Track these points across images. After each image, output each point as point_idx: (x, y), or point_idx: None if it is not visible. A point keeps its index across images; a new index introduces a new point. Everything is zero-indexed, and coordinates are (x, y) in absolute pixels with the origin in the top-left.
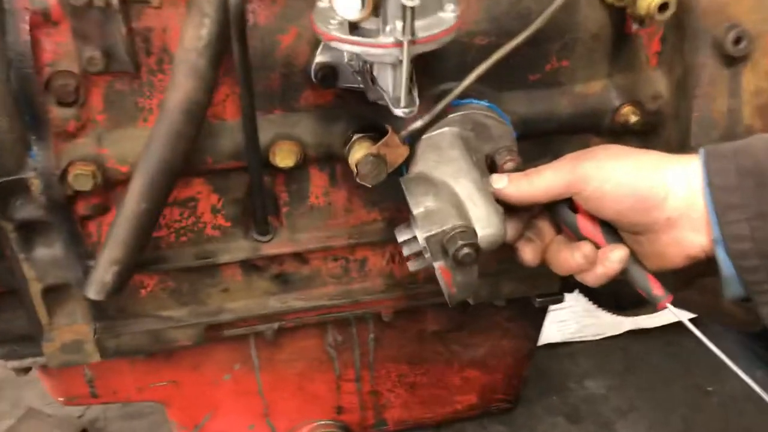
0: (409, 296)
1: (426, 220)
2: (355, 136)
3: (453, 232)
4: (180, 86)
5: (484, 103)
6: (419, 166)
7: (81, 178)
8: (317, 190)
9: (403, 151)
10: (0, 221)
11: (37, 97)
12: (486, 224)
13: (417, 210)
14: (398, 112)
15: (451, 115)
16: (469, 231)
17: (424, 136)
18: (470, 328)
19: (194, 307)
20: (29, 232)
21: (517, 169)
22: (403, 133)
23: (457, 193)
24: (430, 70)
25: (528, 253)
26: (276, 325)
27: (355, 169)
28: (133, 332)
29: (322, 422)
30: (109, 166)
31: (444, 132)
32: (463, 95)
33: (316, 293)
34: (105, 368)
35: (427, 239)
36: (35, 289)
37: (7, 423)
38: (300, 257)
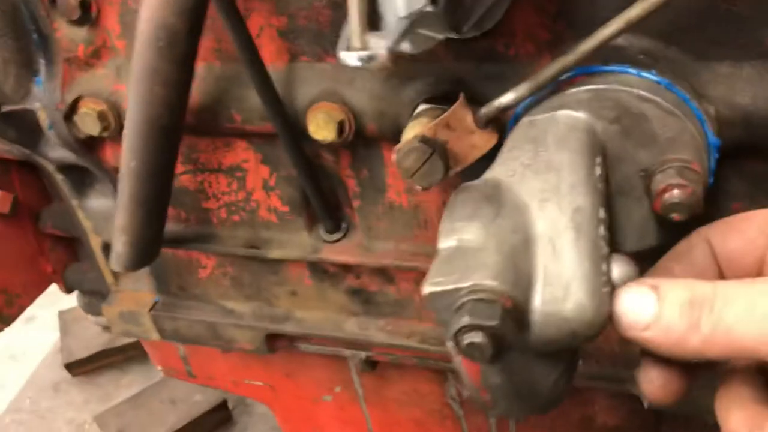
0: None
1: (443, 264)
2: (422, 106)
3: (468, 298)
4: (148, 6)
5: (649, 76)
6: (497, 168)
7: (87, 120)
8: (397, 183)
9: (483, 139)
10: (36, 158)
11: (42, 11)
12: (562, 295)
13: (443, 243)
14: (346, 58)
15: (577, 90)
16: (494, 302)
17: (524, 118)
18: None
19: (259, 305)
20: (77, 176)
21: (690, 210)
22: (484, 110)
23: (534, 229)
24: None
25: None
26: (363, 354)
27: (395, 162)
28: (191, 319)
29: None
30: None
31: (558, 116)
32: (612, 57)
33: (406, 328)
34: (197, 349)
35: (431, 298)
36: (95, 242)
37: None
38: (382, 273)
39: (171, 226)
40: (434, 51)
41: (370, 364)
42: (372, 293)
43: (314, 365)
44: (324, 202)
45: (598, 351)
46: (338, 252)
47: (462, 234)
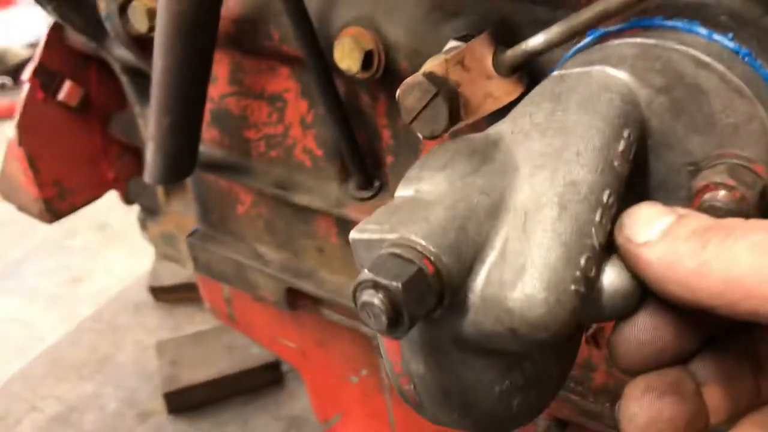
0: None
1: (386, 212)
2: (451, 43)
3: (384, 251)
4: None
5: (721, 39)
6: (504, 124)
7: (137, 15)
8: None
9: (502, 88)
10: (103, 54)
11: None
12: (511, 279)
13: (401, 191)
14: None
15: (621, 42)
16: (410, 262)
17: (556, 71)
18: None
19: (288, 256)
20: (141, 80)
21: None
22: (509, 53)
23: (514, 197)
24: None
25: (657, 411)
26: None
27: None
28: (222, 255)
29: None
30: None
31: (593, 73)
32: (684, 12)
33: None
34: (240, 294)
35: (354, 245)
36: None
37: None
38: None
39: (213, 151)
40: None
41: None
42: None
43: (343, 339)
44: (354, 151)
45: None
46: (363, 212)
47: (422, 184)
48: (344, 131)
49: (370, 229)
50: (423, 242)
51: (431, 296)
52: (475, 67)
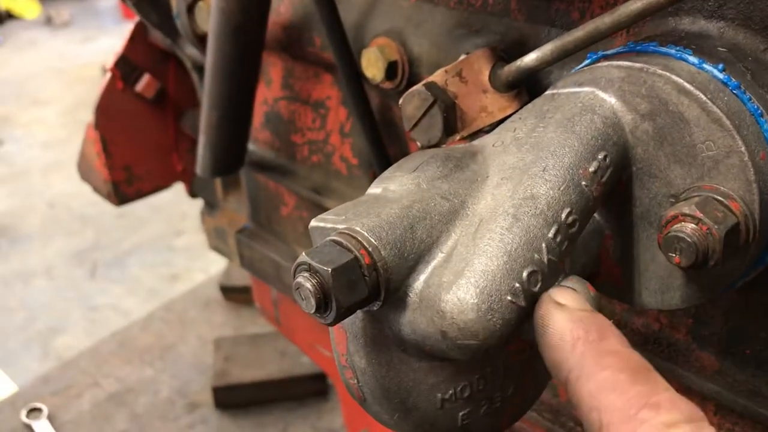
0: None
1: (349, 206)
2: (464, 55)
3: (330, 238)
4: None
5: (710, 69)
6: (490, 136)
7: (202, 15)
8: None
9: (497, 104)
10: (177, 51)
11: None
12: (448, 281)
13: (371, 188)
14: None
15: (610, 65)
16: (347, 251)
17: (549, 90)
18: None
19: None
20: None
21: (696, 256)
22: (505, 69)
23: (475, 205)
24: None
25: None
26: None
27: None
28: (264, 254)
29: None
30: None
31: (581, 94)
32: (682, 41)
33: None
34: (286, 299)
35: (311, 232)
36: None
37: None
38: None
39: (265, 152)
40: (507, 5)
41: None
42: None
43: None
44: (384, 161)
45: None
46: None
47: (390, 183)
48: (374, 140)
49: (327, 219)
50: (365, 233)
51: (364, 286)
52: (473, 80)
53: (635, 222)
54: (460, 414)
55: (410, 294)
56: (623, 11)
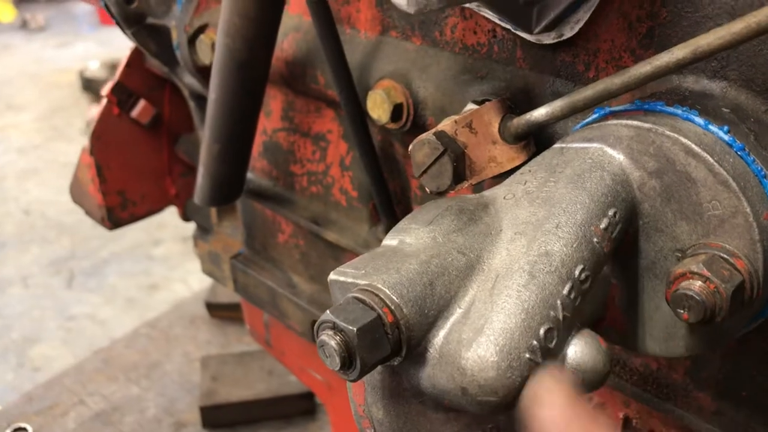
0: None
1: (366, 258)
2: (470, 105)
3: (352, 294)
4: None
5: (716, 131)
6: (500, 188)
7: (203, 48)
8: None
9: (505, 155)
10: (174, 79)
11: None
12: (468, 339)
13: (387, 239)
14: None
15: (619, 123)
16: (371, 309)
17: (557, 144)
18: None
19: (318, 288)
20: (205, 108)
21: (704, 313)
22: (514, 121)
23: (491, 260)
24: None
25: None
26: None
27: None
28: (259, 279)
29: None
30: None
31: (590, 150)
32: (687, 101)
33: None
34: (277, 322)
35: (331, 285)
36: None
37: None
38: None
39: (262, 180)
40: (513, 54)
41: None
42: None
43: None
44: (384, 196)
45: None
46: None
47: (407, 236)
48: (375, 176)
49: (347, 273)
50: (387, 291)
51: (387, 344)
52: (482, 131)
53: (641, 273)
54: None
55: (430, 349)
56: (633, 73)
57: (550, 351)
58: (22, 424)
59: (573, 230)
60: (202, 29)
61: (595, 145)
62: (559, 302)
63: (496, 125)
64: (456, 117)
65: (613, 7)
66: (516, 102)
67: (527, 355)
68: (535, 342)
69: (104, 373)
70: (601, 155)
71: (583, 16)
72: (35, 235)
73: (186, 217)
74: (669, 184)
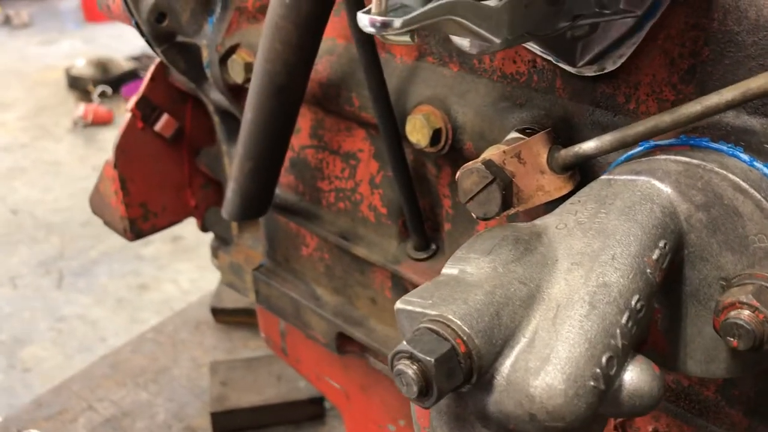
0: None
1: (430, 287)
2: (513, 134)
3: (422, 326)
4: None
5: (761, 167)
6: (551, 217)
7: (236, 67)
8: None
9: (553, 184)
10: (200, 95)
11: None
12: (536, 367)
13: (447, 268)
14: (361, 21)
15: (667, 158)
16: (445, 340)
17: (604, 176)
18: None
19: (342, 300)
20: (230, 122)
21: (753, 341)
22: (563, 152)
23: (549, 289)
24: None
25: None
26: None
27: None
28: (282, 291)
29: None
30: None
31: (638, 183)
32: (731, 137)
33: None
34: (294, 331)
35: (398, 314)
36: None
37: None
38: None
39: (288, 195)
40: (552, 83)
41: None
42: None
43: (387, 387)
44: (415, 214)
45: None
46: (417, 271)
47: (468, 265)
48: (408, 195)
49: (414, 302)
50: (458, 322)
51: (460, 373)
52: (531, 162)
53: (684, 299)
54: None
55: (497, 377)
56: (683, 112)
57: (611, 378)
58: (32, 430)
59: (628, 261)
60: (233, 49)
61: (643, 178)
62: (618, 331)
63: (545, 156)
64: (504, 147)
65: (656, 44)
66: (556, 131)
67: (591, 383)
68: (598, 370)
69: (112, 378)
70: (649, 188)
71: (626, 52)
72: (23, 235)
73: (204, 228)
74: (715, 217)
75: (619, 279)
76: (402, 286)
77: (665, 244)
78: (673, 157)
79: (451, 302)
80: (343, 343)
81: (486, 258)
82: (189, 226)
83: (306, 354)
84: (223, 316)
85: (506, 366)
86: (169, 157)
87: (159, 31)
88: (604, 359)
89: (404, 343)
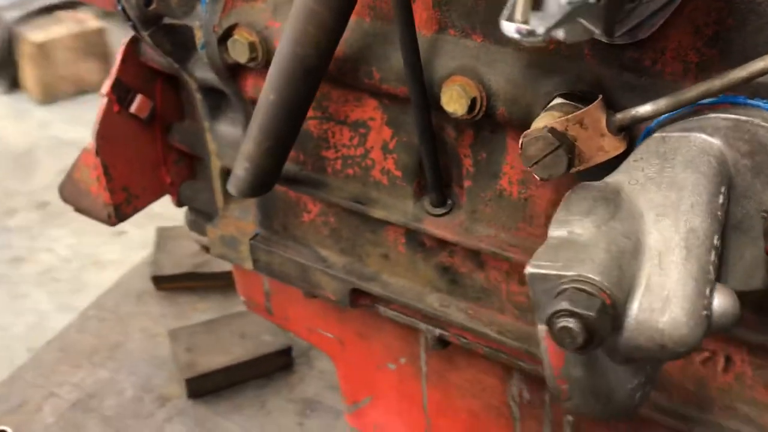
0: None
1: (550, 250)
2: (557, 99)
3: (570, 286)
4: None
5: None
6: (620, 175)
7: (239, 47)
8: (513, 172)
9: (612, 144)
10: (183, 74)
11: None
12: (660, 306)
13: (554, 231)
14: (506, 28)
15: (716, 116)
16: (594, 295)
17: (657, 134)
18: None
19: (350, 260)
20: (214, 99)
21: None
22: (619, 115)
23: (646, 239)
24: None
25: None
26: (437, 331)
27: (520, 147)
28: (285, 256)
29: None
30: (276, 44)
31: (691, 138)
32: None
33: (487, 316)
34: (281, 288)
35: (532, 278)
36: (215, 165)
37: None
38: (475, 257)
39: (288, 166)
40: (581, 49)
41: (442, 343)
42: (461, 274)
43: (387, 331)
44: (437, 175)
45: (674, 385)
46: (438, 226)
47: (574, 227)
48: (432, 158)
49: (545, 266)
50: (599, 278)
51: (609, 322)
52: (593, 126)
53: (727, 230)
54: (638, 395)
55: (626, 319)
56: (731, 77)
57: (712, 305)
58: (1, 426)
59: (704, 208)
60: (231, 29)
61: (695, 134)
62: (711, 268)
63: (604, 120)
64: (567, 116)
65: (682, 15)
66: (589, 94)
67: (704, 312)
68: (705, 301)
69: (65, 362)
70: (702, 142)
71: (658, 22)
72: None
73: (180, 203)
74: (759, 162)
75: (702, 224)
76: (416, 240)
77: (725, 190)
78: (722, 115)
79: (581, 262)
80: (356, 298)
81: (588, 219)
82: (53, 191)
83: (296, 311)
84: (164, 283)
85: (633, 309)
86: (145, 138)
87: (147, 14)
88: (707, 292)
89: (562, 302)
